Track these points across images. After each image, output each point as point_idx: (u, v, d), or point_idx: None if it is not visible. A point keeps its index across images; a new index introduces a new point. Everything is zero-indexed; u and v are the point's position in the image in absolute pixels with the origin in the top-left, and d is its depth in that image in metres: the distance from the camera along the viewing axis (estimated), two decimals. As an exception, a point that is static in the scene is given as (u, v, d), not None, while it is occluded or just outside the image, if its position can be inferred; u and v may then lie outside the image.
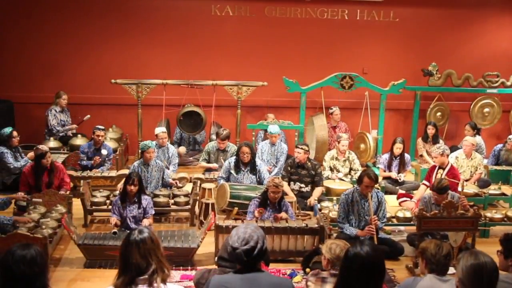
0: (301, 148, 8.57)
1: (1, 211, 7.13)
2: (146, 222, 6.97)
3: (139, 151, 8.73)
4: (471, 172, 9.41)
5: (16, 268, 3.07)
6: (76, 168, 9.32)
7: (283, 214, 6.92)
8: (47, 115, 10.48)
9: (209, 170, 9.36)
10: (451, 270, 4.59)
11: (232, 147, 9.50)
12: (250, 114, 11.57)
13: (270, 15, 11.43)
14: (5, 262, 3.10)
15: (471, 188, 8.78)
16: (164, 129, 9.47)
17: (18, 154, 9.14)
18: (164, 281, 3.32)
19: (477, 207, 6.51)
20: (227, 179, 8.54)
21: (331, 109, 11.10)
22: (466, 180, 9.07)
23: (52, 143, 10.12)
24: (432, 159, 8.62)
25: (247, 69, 11.26)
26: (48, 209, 7.31)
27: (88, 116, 10.65)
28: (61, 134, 10.56)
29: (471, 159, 9.42)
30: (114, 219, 6.94)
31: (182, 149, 10.72)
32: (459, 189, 7.43)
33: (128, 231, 6.72)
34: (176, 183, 8.55)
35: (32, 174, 8.02)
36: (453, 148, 10.24)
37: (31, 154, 8.83)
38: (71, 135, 10.62)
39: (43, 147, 8.25)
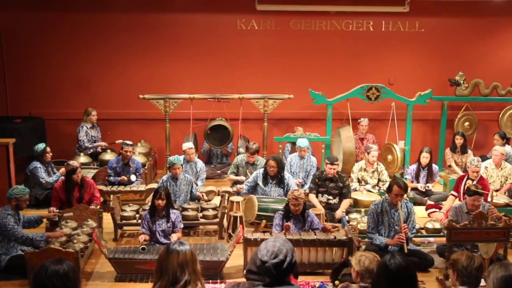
0: (336, 164, 8.56)
1: (33, 229, 7.22)
2: (175, 236, 6.99)
3: (167, 165, 8.78)
4: (501, 182, 9.27)
5: (49, 283, 3.13)
6: (106, 183, 9.41)
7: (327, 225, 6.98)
8: (78, 131, 10.60)
9: (237, 182, 9.37)
10: (482, 282, 4.51)
11: (261, 161, 9.48)
12: (276, 126, 11.58)
13: (295, 28, 11.46)
14: (38, 277, 3.16)
15: (501, 199, 8.65)
16: (191, 144, 9.49)
17: (51, 169, 9.29)
18: None
19: (509, 218, 6.38)
20: (254, 189, 8.60)
21: (360, 120, 11.09)
22: (496, 191, 8.95)
23: (83, 158, 10.25)
24: (471, 173, 8.45)
25: (273, 82, 11.28)
26: (79, 224, 7.40)
27: (121, 140, 10.44)
28: (90, 151, 10.69)
29: (501, 169, 9.29)
30: (143, 236, 6.98)
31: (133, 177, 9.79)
32: (489, 199, 7.32)
33: (158, 245, 6.83)
34: (203, 195, 8.58)
35: (63, 190, 8.12)
36: (482, 158, 10.07)
37: (63, 170, 8.94)
38: (100, 150, 10.74)
39: (74, 163, 8.38)
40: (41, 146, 9.11)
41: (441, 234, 7.41)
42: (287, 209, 7.03)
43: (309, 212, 7.16)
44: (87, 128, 10.71)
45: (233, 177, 9.49)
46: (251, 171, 9.26)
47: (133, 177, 9.43)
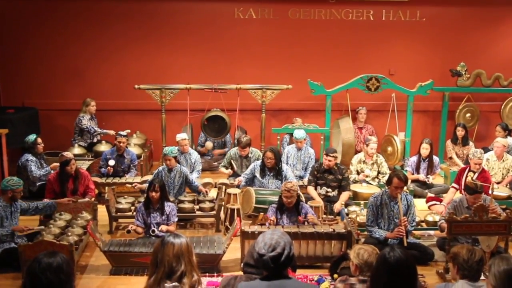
0: (333, 156, 8.53)
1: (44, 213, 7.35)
2: (163, 228, 6.94)
3: (163, 156, 8.77)
4: (503, 174, 9.28)
5: (43, 276, 3.12)
6: (101, 175, 9.39)
7: (310, 217, 6.94)
8: (80, 121, 10.57)
9: (234, 175, 9.36)
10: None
11: (255, 153, 9.50)
12: (274, 117, 11.56)
13: (294, 17, 11.42)
14: (32, 270, 3.16)
15: (503, 191, 8.66)
16: (184, 135, 9.47)
17: (43, 161, 9.25)
18: (192, 286, 3.39)
19: (510, 211, 6.38)
20: (251, 181, 8.59)
21: (358, 108, 11.16)
22: (498, 183, 8.95)
23: (77, 150, 10.22)
24: (473, 165, 8.44)
25: (271, 72, 11.25)
26: (73, 216, 7.39)
27: (128, 130, 10.28)
28: (99, 137, 10.73)
29: (503, 161, 9.30)
30: (134, 226, 6.99)
31: (209, 145, 10.77)
32: (490, 192, 7.33)
33: (153, 238, 6.82)
34: (206, 191, 8.47)
35: (57, 181, 8.10)
36: (483, 150, 10.08)
37: (54, 164, 8.90)
38: (95, 141, 10.72)
39: (68, 154, 8.34)
40: (31, 137, 9.05)
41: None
42: (280, 202, 7.02)
43: (303, 204, 7.15)
44: (87, 119, 10.67)
45: (223, 170, 9.51)
46: (246, 164, 9.26)
47: (111, 162, 9.34)
